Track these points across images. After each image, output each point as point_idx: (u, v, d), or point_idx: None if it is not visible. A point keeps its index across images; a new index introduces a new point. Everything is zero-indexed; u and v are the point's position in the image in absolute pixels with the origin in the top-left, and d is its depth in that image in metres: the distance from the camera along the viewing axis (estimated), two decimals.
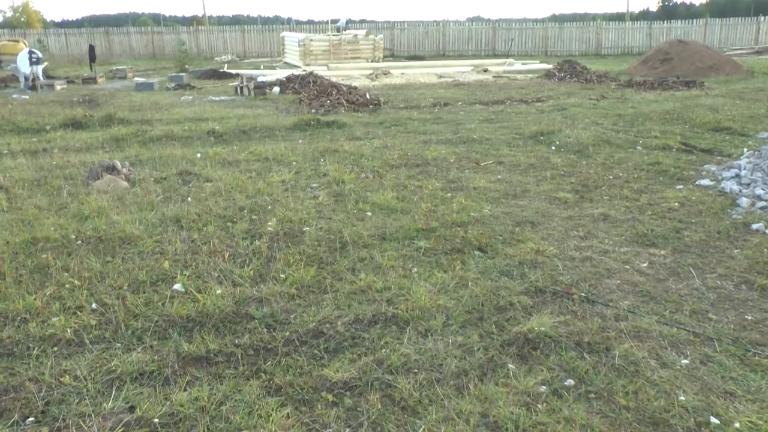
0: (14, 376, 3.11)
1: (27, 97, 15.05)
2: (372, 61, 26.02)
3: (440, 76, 20.66)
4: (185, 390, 3.00)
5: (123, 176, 6.65)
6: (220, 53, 33.71)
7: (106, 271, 4.28)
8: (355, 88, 15.43)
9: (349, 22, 36.58)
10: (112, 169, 6.64)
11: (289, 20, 64.84)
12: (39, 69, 17.80)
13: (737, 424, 2.79)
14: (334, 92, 14.32)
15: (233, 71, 22.01)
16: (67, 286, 4.00)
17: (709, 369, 3.23)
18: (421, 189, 6.43)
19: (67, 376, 3.09)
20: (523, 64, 24.71)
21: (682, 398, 2.97)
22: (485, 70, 22.32)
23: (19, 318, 3.66)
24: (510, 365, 3.24)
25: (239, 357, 3.32)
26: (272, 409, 2.85)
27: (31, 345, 3.38)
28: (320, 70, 19.83)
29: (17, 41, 20.53)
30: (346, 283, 4.19)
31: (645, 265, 4.58)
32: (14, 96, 15.12)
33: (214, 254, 4.59)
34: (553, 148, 8.57)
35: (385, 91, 16.29)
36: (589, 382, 3.12)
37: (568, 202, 6.09)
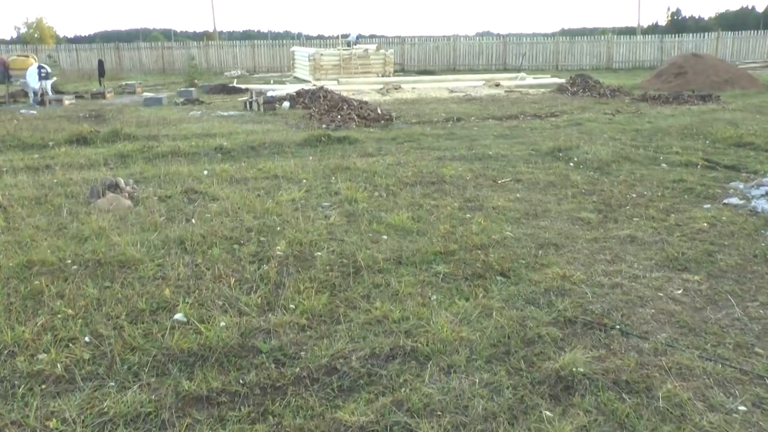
0: None
1: (35, 112, 14.91)
2: (382, 76, 25.84)
3: (451, 91, 20.43)
4: None
5: (126, 194, 6.40)
6: (229, 68, 33.64)
7: (103, 297, 4.01)
8: (366, 102, 15.20)
9: (359, 37, 36.52)
10: (115, 187, 6.40)
11: (299, 35, 65.03)
12: (48, 84, 17.70)
13: None
14: (344, 107, 14.08)
15: (243, 86, 21.87)
16: (59, 315, 3.71)
17: (764, 413, 2.92)
18: (437, 208, 6.14)
19: (55, 419, 2.81)
20: (534, 78, 24.46)
21: None
22: (497, 85, 22.08)
23: (6, 351, 3.38)
24: (543, 409, 2.93)
25: (244, 397, 3.03)
26: None
27: (17, 382, 3.10)
28: (330, 85, 19.65)
29: (27, 56, 20.44)
30: (360, 312, 3.90)
31: (679, 292, 4.26)
32: (22, 111, 14.99)
33: (218, 280, 4.31)
34: (572, 164, 8.27)
35: (397, 105, 16.06)
36: (631, 428, 2.81)
37: (592, 223, 5.78)
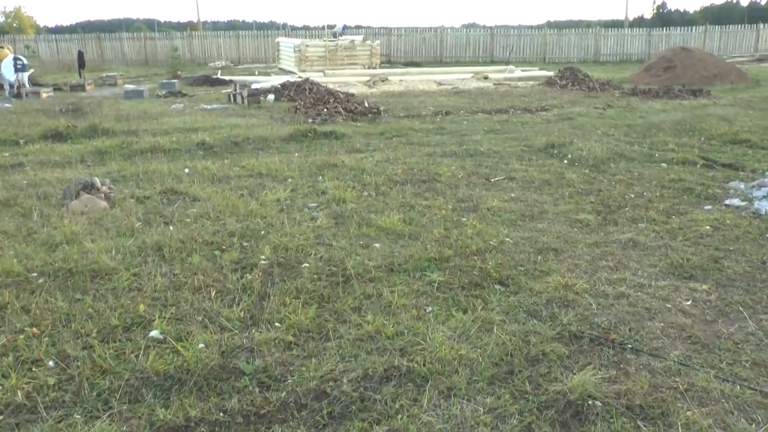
0: None
1: (10, 105, 14.42)
2: (369, 68, 25.46)
3: (440, 83, 20.14)
4: None
5: (103, 195, 6.07)
6: (214, 59, 33.07)
7: (72, 312, 3.69)
8: (353, 95, 14.87)
9: (345, 27, 36.07)
10: (90, 187, 6.06)
11: (284, 26, 64.28)
12: (25, 76, 17.14)
13: None
14: (331, 100, 13.76)
15: (227, 77, 21.42)
16: (22, 336, 3.40)
17: None
18: (429, 209, 5.87)
19: None
20: (522, 70, 24.19)
21: None
22: (485, 77, 21.81)
23: None
24: None
25: (225, 426, 2.76)
26: None
27: None
28: (316, 77, 19.25)
29: (2, 47, 19.82)
30: (351, 326, 3.63)
31: (688, 303, 4.03)
32: None
33: (198, 291, 4.02)
34: (566, 162, 8.03)
35: (384, 98, 15.74)
36: None
37: (591, 225, 5.54)
